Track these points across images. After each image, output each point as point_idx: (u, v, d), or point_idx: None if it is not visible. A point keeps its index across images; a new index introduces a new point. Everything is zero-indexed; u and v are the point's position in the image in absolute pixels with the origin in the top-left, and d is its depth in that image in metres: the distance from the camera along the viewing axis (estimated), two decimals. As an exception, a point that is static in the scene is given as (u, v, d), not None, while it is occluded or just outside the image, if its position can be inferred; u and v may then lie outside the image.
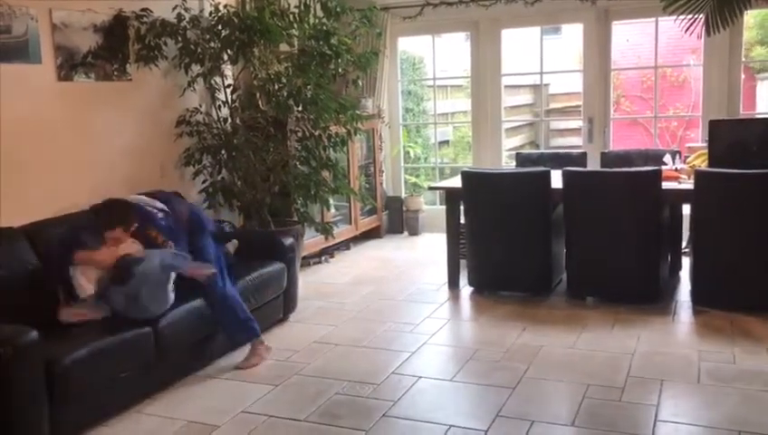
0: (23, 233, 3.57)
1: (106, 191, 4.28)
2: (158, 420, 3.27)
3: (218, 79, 5.01)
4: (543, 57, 6.74)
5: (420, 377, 3.63)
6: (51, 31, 4.00)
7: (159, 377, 3.54)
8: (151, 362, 3.43)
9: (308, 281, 5.38)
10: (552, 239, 4.77)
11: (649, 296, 4.54)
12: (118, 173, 4.47)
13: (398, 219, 7.24)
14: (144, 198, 3.97)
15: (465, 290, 5.12)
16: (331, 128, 5.29)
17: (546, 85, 9.01)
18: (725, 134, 4.62)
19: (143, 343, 3.38)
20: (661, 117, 8.49)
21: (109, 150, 4.42)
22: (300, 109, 5.12)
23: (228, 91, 5.06)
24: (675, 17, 4.30)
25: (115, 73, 4.46)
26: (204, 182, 5.09)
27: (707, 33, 4.31)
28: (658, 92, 7.11)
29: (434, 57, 7.31)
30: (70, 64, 4.13)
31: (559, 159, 5.47)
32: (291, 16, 5.04)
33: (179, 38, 4.70)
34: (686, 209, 4.86)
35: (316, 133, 5.20)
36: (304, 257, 5.69)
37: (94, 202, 3.76)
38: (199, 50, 4.78)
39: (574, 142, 8.11)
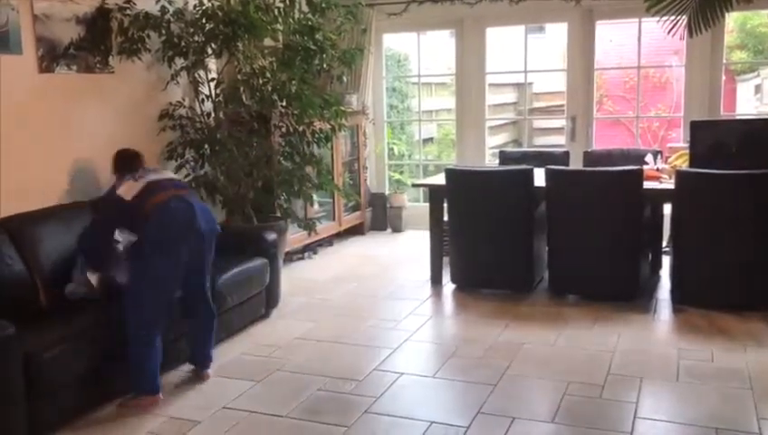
0: (2, 226, 3.51)
1: (87, 184, 4.26)
2: (139, 414, 3.25)
3: (202, 73, 4.97)
4: (527, 56, 6.76)
5: (402, 374, 3.63)
6: (32, 22, 3.95)
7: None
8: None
9: (290, 277, 5.37)
10: (534, 237, 4.79)
11: (630, 295, 4.58)
12: (99, 166, 4.43)
13: (382, 216, 7.23)
14: None
15: (448, 287, 5.13)
16: (315, 123, 5.27)
17: (530, 84, 9.04)
18: (706, 135, 4.66)
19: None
20: (643, 117, 8.56)
21: (91, 143, 4.37)
22: (284, 104, 5.10)
23: (212, 85, 5.03)
24: (658, 18, 4.33)
25: (97, 66, 4.42)
26: (186, 177, 5.05)
27: (690, 34, 4.36)
28: (641, 93, 7.16)
29: (419, 54, 7.32)
30: (51, 56, 4.08)
31: (542, 158, 5.47)
32: (275, 11, 5.01)
33: (163, 31, 4.66)
34: (667, 209, 4.90)
35: (300, 129, 5.18)
36: (287, 253, 5.67)
37: (75, 196, 3.68)
38: (183, 43, 4.75)
39: (557, 141, 8.14)
